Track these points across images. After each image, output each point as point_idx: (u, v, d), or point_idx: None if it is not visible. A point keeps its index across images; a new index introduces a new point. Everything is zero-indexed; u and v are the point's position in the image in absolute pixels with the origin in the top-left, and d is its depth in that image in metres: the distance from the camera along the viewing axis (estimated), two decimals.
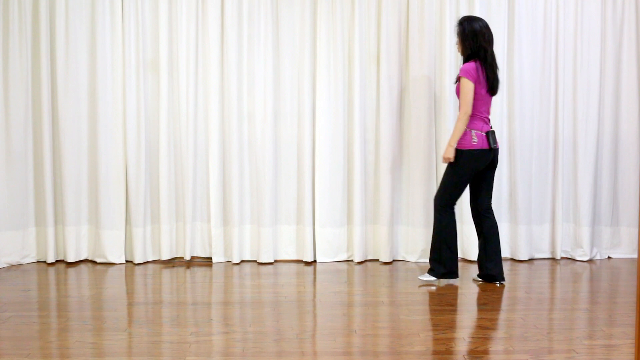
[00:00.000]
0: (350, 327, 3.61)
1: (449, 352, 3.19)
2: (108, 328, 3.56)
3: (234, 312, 3.88)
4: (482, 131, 4.31)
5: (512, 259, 5.21)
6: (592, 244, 5.21)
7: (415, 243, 5.16)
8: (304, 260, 5.14)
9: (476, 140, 4.28)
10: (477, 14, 5.05)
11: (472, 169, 4.33)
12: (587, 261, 5.17)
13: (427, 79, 5.08)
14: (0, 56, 4.94)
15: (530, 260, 5.21)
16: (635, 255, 5.24)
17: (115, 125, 5.07)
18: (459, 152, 4.30)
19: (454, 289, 4.44)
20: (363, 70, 5.10)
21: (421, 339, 3.38)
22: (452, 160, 4.28)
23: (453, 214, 4.44)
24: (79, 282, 4.67)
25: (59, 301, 4.15)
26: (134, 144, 5.05)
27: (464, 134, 4.29)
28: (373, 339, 3.40)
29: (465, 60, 4.38)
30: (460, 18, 4.48)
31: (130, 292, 4.43)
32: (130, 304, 4.09)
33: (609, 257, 5.30)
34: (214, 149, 5.08)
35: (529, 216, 5.19)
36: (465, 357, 3.11)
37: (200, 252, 5.23)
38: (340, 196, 5.15)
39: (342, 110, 5.13)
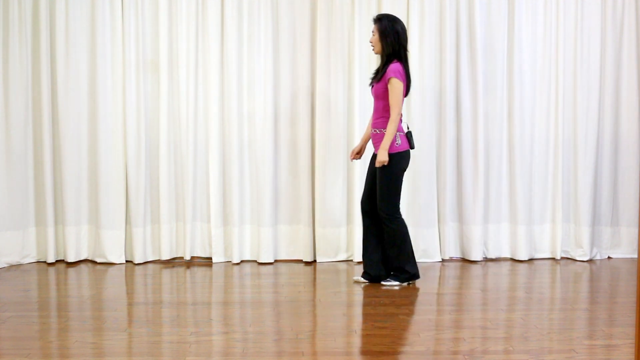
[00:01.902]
0: (350, 327, 3.61)
1: (449, 352, 3.19)
2: (108, 328, 3.56)
3: (234, 312, 3.88)
4: (403, 132, 4.32)
5: (512, 259, 5.21)
6: (592, 244, 5.21)
7: (415, 243, 5.13)
8: (304, 260, 5.14)
9: (399, 142, 4.28)
10: (477, 14, 5.06)
11: (402, 170, 4.32)
12: (587, 261, 5.17)
13: (427, 79, 5.08)
14: (0, 56, 4.95)
15: (530, 260, 5.20)
16: (635, 255, 5.23)
17: (115, 125, 5.07)
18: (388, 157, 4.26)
19: (454, 289, 4.44)
20: (363, 70, 5.09)
21: (421, 339, 3.37)
22: (386, 163, 4.24)
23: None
24: (79, 282, 4.67)
25: (59, 301, 4.15)
26: (134, 144, 5.04)
27: None
28: (373, 339, 3.40)
29: (387, 60, 4.31)
30: (377, 15, 4.42)
31: (130, 292, 4.43)
32: (130, 304, 4.08)
33: (609, 257, 5.30)
34: (214, 149, 5.07)
35: (529, 216, 5.19)
36: (466, 357, 3.11)
37: (200, 252, 5.23)
38: (340, 196, 5.15)
39: (342, 110, 5.13)
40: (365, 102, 5.11)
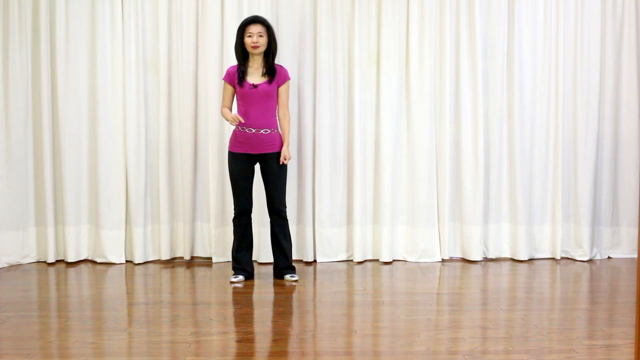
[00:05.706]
0: (350, 327, 3.61)
1: (449, 352, 3.19)
2: (108, 328, 3.56)
3: (234, 312, 3.88)
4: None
5: (512, 259, 5.21)
6: (592, 244, 5.21)
7: (415, 243, 5.15)
8: (304, 260, 5.14)
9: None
10: (477, 14, 5.05)
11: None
12: (587, 261, 5.17)
13: (427, 79, 5.08)
14: (0, 56, 4.95)
15: (530, 260, 5.20)
16: (635, 255, 5.23)
17: (115, 125, 5.07)
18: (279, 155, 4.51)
19: (454, 289, 4.44)
20: (363, 70, 5.09)
21: (421, 339, 3.37)
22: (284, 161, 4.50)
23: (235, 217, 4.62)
24: (79, 282, 4.67)
25: (59, 301, 4.15)
26: (134, 144, 5.04)
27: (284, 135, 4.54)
28: (373, 339, 3.40)
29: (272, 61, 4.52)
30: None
31: (130, 292, 4.43)
32: (130, 304, 4.09)
33: (609, 257, 5.30)
34: (214, 149, 5.07)
35: (529, 216, 5.19)
36: (465, 357, 3.11)
37: (200, 252, 5.23)
38: (340, 196, 5.15)
39: (342, 110, 5.12)
40: (365, 102, 5.11)
